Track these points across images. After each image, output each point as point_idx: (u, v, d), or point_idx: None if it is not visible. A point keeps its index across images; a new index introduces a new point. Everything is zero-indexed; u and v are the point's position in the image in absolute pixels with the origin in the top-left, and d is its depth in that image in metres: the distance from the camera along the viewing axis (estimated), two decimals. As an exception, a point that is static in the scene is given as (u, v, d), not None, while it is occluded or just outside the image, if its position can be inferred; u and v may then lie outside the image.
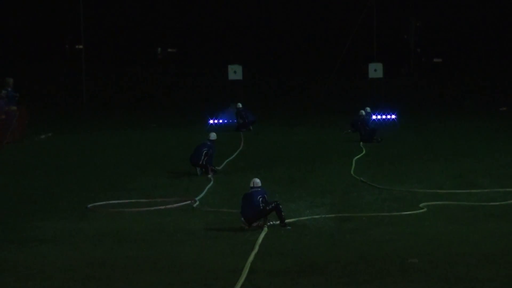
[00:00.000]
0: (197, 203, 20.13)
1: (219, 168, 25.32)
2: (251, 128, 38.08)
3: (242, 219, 17.32)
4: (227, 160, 27.50)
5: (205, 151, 24.50)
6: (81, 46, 54.87)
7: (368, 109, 36.09)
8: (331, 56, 52.48)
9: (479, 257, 14.65)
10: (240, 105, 39.48)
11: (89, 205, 19.89)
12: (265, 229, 16.94)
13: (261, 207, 17.23)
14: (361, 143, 31.74)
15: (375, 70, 45.54)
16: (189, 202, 20.21)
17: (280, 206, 17.37)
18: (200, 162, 24.44)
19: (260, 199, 17.28)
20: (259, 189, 17.63)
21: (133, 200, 20.72)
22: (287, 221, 17.49)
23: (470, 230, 17.07)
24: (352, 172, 24.84)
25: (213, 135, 25.28)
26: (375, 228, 17.38)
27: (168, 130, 39.09)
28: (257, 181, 17.77)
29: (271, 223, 17.39)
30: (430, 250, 15.23)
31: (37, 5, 61.71)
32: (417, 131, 37.21)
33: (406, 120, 41.08)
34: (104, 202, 20.39)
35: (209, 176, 23.99)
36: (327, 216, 18.62)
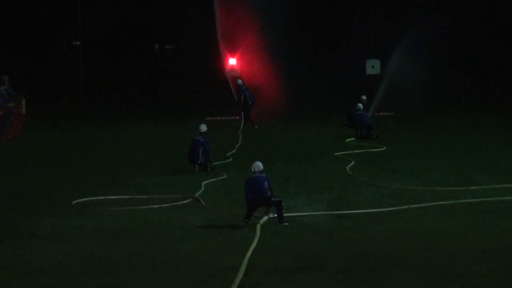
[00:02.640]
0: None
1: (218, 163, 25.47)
2: (246, 125, 37.03)
3: (246, 203, 17.30)
4: (229, 153, 27.64)
5: (201, 150, 24.42)
6: (78, 43, 54.76)
7: (363, 97, 36.02)
8: (328, 53, 52.38)
9: (476, 253, 14.67)
10: (240, 81, 38.05)
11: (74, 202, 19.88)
12: (260, 224, 16.90)
13: (268, 194, 17.20)
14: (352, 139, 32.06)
15: (373, 67, 45.53)
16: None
17: (283, 204, 17.39)
18: (199, 162, 24.46)
19: (267, 186, 17.28)
20: (263, 174, 17.60)
21: (127, 197, 20.78)
22: (285, 215, 17.52)
23: (468, 226, 17.09)
24: (347, 168, 24.84)
25: (203, 127, 24.91)
26: (373, 225, 17.39)
27: (166, 126, 39.02)
28: (259, 165, 17.74)
29: (272, 215, 17.41)
30: (428, 247, 15.25)
31: (34, 1, 61.62)
32: (414, 127, 37.19)
33: (404, 116, 41.04)
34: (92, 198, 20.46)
35: (209, 171, 24.18)
36: (324, 212, 18.65)
